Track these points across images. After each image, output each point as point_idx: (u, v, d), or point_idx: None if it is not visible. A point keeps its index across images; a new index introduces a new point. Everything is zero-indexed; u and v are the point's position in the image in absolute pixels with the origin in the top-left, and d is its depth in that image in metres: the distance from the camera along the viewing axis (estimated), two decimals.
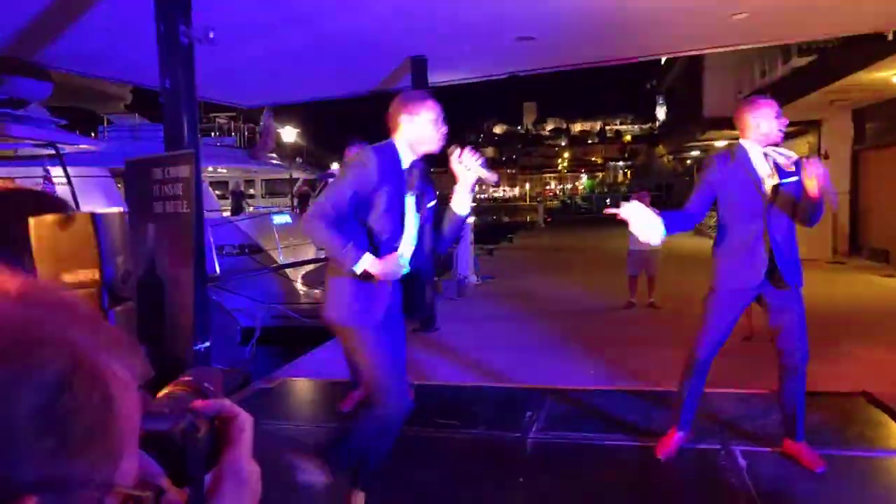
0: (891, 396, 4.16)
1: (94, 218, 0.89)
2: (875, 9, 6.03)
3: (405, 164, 2.75)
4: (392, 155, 2.72)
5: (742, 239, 3.24)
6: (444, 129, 2.81)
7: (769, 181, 3.17)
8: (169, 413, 0.60)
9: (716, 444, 3.52)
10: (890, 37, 7.41)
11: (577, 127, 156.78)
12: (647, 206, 9.05)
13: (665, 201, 27.75)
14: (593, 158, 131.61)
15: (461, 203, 2.78)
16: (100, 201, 11.16)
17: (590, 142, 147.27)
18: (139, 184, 4.13)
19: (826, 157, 14.42)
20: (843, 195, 14.14)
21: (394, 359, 2.75)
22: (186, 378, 0.70)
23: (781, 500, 2.99)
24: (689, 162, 28.64)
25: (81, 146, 9.24)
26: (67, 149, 8.48)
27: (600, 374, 5.30)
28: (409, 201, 2.77)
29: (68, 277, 0.93)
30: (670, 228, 3.17)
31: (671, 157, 32.81)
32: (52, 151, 8.09)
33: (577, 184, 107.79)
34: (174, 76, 3.71)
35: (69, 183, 7.97)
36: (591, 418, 4.01)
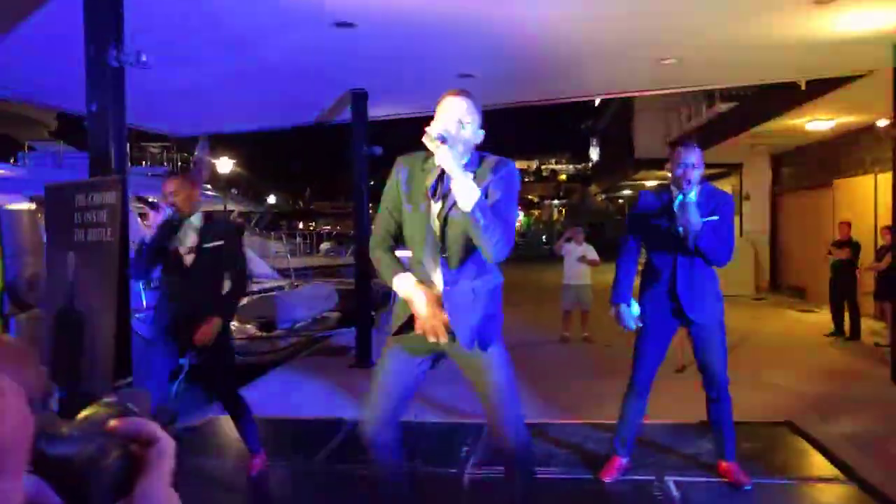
0: (812, 425, 4.33)
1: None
2: (790, 61, 6.47)
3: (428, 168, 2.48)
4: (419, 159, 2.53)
5: (655, 272, 3.44)
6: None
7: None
8: (76, 436, 0.55)
9: (650, 475, 3.56)
10: (803, 86, 7.93)
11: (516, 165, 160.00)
12: (581, 241, 9.20)
13: (597, 238, 28.49)
14: (530, 196, 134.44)
15: (458, 193, 2.24)
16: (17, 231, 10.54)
17: (526, 180, 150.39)
18: (59, 210, 3.93)
19: (747, 198, 15.20)
20: (763, 235, 14.90)
21: (384, 380, 2.61)
22: (109, 399, 0.64)
23: None
24: (620, 201, 29.61)
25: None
26: None
27: (536, 407, 5.30)
28: (433, 209, 2.44)
29: None
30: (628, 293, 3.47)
31: (604, 196, 33.88)
32: None
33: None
34: (102, 99, 3.57)
35: None
36: None
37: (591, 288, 8.51)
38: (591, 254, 8.47)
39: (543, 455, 3.92)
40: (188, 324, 3.48)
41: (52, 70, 5.77)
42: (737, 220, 15.27)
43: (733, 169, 15.75)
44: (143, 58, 3.95)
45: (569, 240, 8.63)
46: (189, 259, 3.55)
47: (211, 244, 3.56)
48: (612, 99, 21.95)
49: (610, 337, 8.48)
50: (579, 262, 8.37)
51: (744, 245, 13.88)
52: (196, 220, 3.60)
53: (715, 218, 3.26)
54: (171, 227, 3.57)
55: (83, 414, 0.60)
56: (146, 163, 17.47)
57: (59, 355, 3.61)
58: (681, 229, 3.25)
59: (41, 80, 6.29)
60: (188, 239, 3.56)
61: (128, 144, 4.37)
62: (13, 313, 3.04)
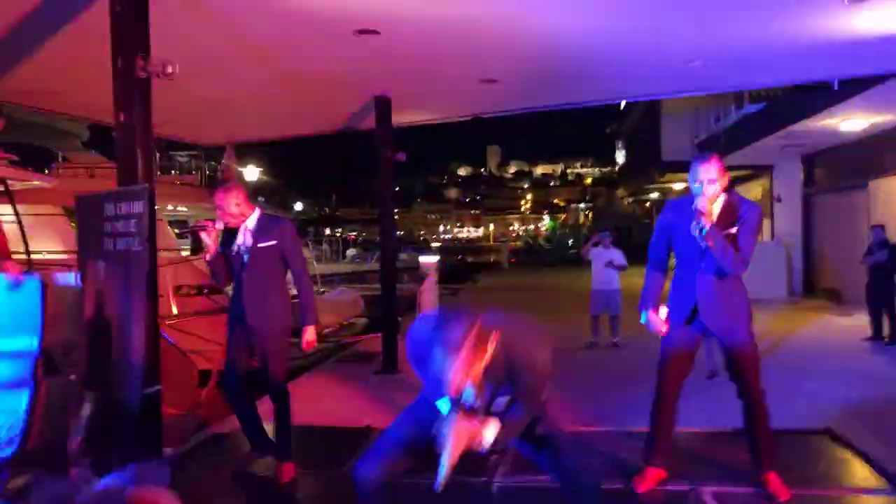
0: (853, 433, 4.18)
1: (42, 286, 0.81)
2: (822, 61, 6.31)
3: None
4: None
5: (680, 281, 3.47)
6: None
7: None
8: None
9: (684, 485, 3.46)
10: (836, 86, 7.75)
11: (539, 170, 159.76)
12: (609, 246, 9.13)
13: (624, 242, 28.20)
14: (555, 200, 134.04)
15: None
16: (52, 240, 10.78)
17: (552, 184, 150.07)
18: (89, 220, 3.98)
19: (779, 200, 14.90)
20: (796, 238, 14.57)
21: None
22: (128, 470, 0.61)
23: None
24: (647, 204, 29.29)
25: (34, 182, 8.94)
26: (18, 185, 8.19)
27: (567, 414, 5.22)
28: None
29: None
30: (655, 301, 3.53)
31: (630, 199, 33.56)
32: (2, 188, 7.79)
33: (539, 225, 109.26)
34: (129, 110, 3.61)
35: (18, 221, 7.67)
36: None
37: (620, 293, 8.40)
38: (619, 258, 8.36)
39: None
40: (249, 322, 3.73)
41: (80, 82, 5.87)
42: (767, 223, 15.06)
43: (763, 171, 15.46)
44: (170, 69, 4.00)
45: (596, 244, 8.53)
46: (245, 259, 3.77)
47: (265, 244, 3.75)
48: (637, 101, 21.71)
49: (640, 343, 8.37)
50: (607, 267, 8.27)
51: (776, 248, 13.60)
52: (251, 222, 3.81)
53: (733, 231, 3.27)
54: (231, 233, 3.83)
55: (103, 484, 0.59)
56: (175, 171, 17.72)
57: (91, 363, 3.64)
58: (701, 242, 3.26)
59: (70, 91, 6.40)
60: (244, 240, 3.78)
61: (156, 154, 4.42)
62: (45, 377, 3.07)
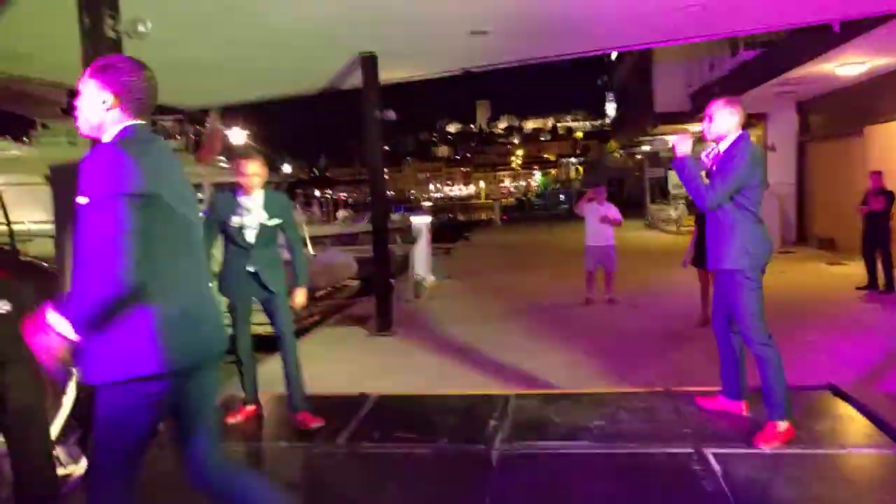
0: (856, 388, 4.14)
1: None
2: (825, 0, 6.08)
3: None
4: None
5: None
6: None
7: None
8: None
9: (688, 447, 3.41)
10: (837, 29, 7.51)
11: (529, 124, 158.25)
12: (604, 201, 9.08)
13: (617, 195, 28.09)
14: (546, 155, 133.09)
15: None
16: (33, 211, 10.53)
17: (542, 139, 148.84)
18: (67, 192, 3.79)
19: (773, 149, 14.73)
20: (790, 186, 14.46)
21: None
22: None
23: (757, 502, 2.88)
24: (639, 157, 29.04)
25: (11, 152, 8.68)
26: None
27: (563, 375, 5.17)
28: None
29: None
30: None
31: (622, 152, 33.26)
32: None
33: (530, 181, 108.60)
34: None
35: None
36: (558, 424, 3.86)
37: (615, 248, 8.30)
38: (614, 213, 8.23)
39: (574, 427, 3.79)
40: (254, 291, 3.96)
41: (53, 43, 5.59)
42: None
43: (757, 119, 15.24)
44: (142, 28, 3.77)
45: (591, 200, 8.38)
46: (251, 234, 3.89)
47: (274, 222, 3.93)
48: (629, 52, 21.28)
49: (636, 298, 8.33)
50: (602, 223, 8.15)
51: (768, 197, 13.49)
52: (259, 196, 3.91)
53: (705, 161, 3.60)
54: (229, 202, 3.89)
55: None
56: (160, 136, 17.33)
57: None
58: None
59: (43, 54, 6.11)
60: (254, 215, 3.88)
61: None
62: None
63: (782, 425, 3.38)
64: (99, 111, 2.02)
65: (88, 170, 1.89)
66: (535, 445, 3.58)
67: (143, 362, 1.89)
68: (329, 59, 7.18)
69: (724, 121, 3.49)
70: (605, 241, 8.22)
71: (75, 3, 3.62)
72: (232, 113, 19.87)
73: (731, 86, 13.16)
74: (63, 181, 4.08)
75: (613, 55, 25.82)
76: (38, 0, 4.66)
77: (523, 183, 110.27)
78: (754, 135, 15.58)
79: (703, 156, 3.64)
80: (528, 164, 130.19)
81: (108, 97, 2.00)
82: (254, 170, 3.85)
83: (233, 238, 3.91)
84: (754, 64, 12.71)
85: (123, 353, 1.89)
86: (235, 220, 3.88)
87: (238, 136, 20.02)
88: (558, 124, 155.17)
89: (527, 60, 7.96)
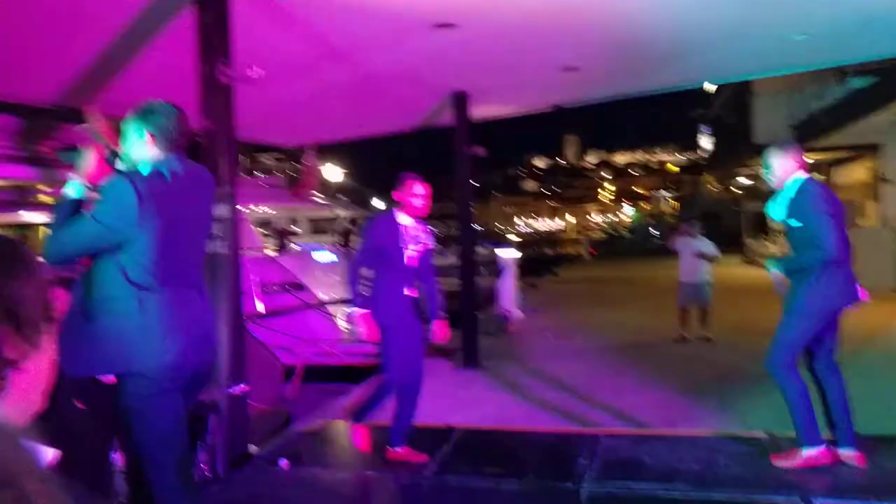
0: None
1: None
2: None
3: None
4: None
5: None
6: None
7: None
8: None
9: (794, 497, 3.20)
10: None
11: (619, 158, 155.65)
12: (696, 236, 8.84)
13: (713, 230, 26.98)
14: (637, 189, 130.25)
15: None
16: None
17: (633, 173, 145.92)
18: None
19: (886, 180, 13.78)
20: None
21: None
22: None
23: None
24: (737, 190, 27.88)
25: None
26: None
27: (653, 416, 4.98)
28: None
29: None
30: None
31: (719, 186, 32.08)
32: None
33: (620, 215, 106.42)
34: (213, 115, 3.69)
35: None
36: (650, 466, 3.72)
37: (711, 285, 7.99)
38: (709, 249, 7.95)
39: (667, 470, 3.64)
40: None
41: (169, 91, 6.08)
42: (873, 206, 13.95)
43: (867, 150, 14.34)
44: (251, 73, 4.07)
45: (685, 234, 8.15)
46: (415, 259, 3.83)
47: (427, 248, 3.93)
48: (728, 83, 20.62)
49: (734, 336, 7.93)
50: (696, 258, 7.88)
51: (880, 233, 12.61)
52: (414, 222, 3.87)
53: (799, 224, 3.47)
54: (394, 228, 3.80)
55: None
56: (259, 174, 18.32)
57: None
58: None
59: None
60: (420, 238, 3.86)
61: (242, 157, 4.51)
62: None
63: (805, 453, 3.46)
64: (139, 148, 2.36)
65: (104, 191, 2.26)
66: (627, 487, 3.47)
67: None
68: (422, 98, 7.41)
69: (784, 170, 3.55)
70: (700, 277, 7.93)
71: (194, 53, 3.96)
72: (326, 149, 20.81)
73: (839, 115, 12.51)
74: None
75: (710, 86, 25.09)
76: (158, 51, 5.09)
77: (613, 217, 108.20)
78: (864, 167, 14.68)
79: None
80: (618, 198, 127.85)
81: (147, 136, 2.35)
82: (423, 192, 3.80)
83: (395, 264, 3.78)
84: (866, 92, 12.03)
85: None
86: (412, 247, 3.80)
87: (333, 172, 20.87)
88: (650, 158, 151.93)
89: (619, 95, 7.90)
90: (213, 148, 3.63)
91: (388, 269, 3.77)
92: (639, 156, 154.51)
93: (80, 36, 4.84)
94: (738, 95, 21.54)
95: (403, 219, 3.81)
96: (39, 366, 0.82)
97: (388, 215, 3.87)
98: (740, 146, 20.50)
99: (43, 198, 8.82)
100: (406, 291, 3.81)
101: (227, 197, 3.48)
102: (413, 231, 3.81)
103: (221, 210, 3.51)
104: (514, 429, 4.71)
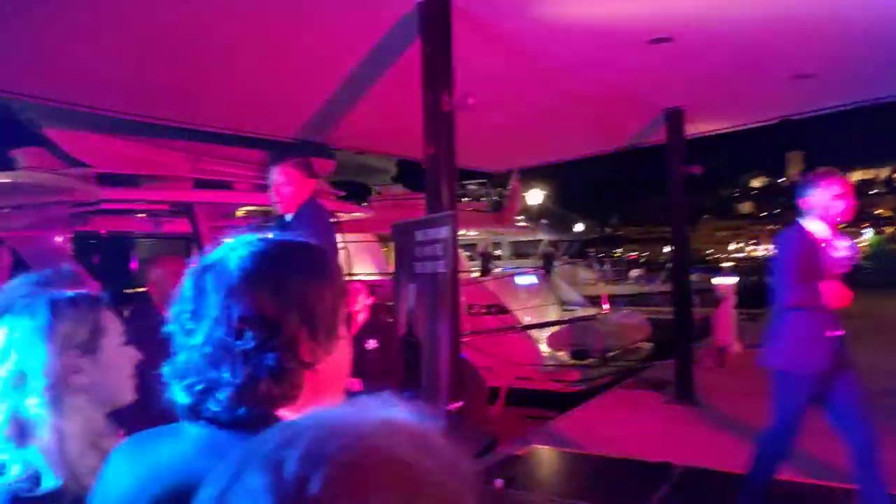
0: None
1: None
2: None
3: None
4: None
5: None
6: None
7: None
8: None
9: None
10: None
11: (855, 176, 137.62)
12: None
13: None
14: (878, 211, 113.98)
15: None
16: (367, 263, 12.38)
17: (872, 192, 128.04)
18: (403, 246, 4.37)
19: None
20: None
21: None
22: None
23: None
24: None
25: (355, 214, 10.36)
26: (344, 217, 9.55)
27: None
28: None
29: None
30: None
31: None
32: (334, 220, 9.17)
33: (858, 241, 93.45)
34: (436, 142, 3.89)
35: (344, 248, 8.94)
36: None
37: None
38: None
39: None
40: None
41: (393, 122, 6.58)
42: None
43: None
44: (471, 100, 4.23)
45: None
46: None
47: None
48: None
49: None
50: None
51: None
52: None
53: None
54: (809, 241, 3.47)
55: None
56: (465, 199, 19.11)
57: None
58: None
59: (384, 131, 7.23)
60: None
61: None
62: None
63: None
64: (304, 193, 3.29)
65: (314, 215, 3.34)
66: None
67: None
68: (631, 117, 7.19)
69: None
70: None
71: (417, 84, 4.22)
72: (526, 173, 21.11)
73: None
74: (401, 236, 4.68)
75: None
76: (385, 86, 5.52)
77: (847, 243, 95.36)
78: None
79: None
80: (854, 221, 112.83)
81: (311, 184, 3.32)
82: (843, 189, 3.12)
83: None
84: None
85: None
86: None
87: (535, 196, 21.06)
88: (893, 175, 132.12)
89: (860, 103, 6.96)
90: (436, 173, 3.82)
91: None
92: (879, 172, 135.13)
93: (317, 76, 5.43)
94: None
95: (817, 228, 3.19)
96: (335, 368, 0.86)
97: (796, 228, 3.29)
98: None
99: None
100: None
101: (449, 220, 3.63)
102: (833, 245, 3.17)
103: (443, 232, 3.68)
104: (738, 472, 4.27)
